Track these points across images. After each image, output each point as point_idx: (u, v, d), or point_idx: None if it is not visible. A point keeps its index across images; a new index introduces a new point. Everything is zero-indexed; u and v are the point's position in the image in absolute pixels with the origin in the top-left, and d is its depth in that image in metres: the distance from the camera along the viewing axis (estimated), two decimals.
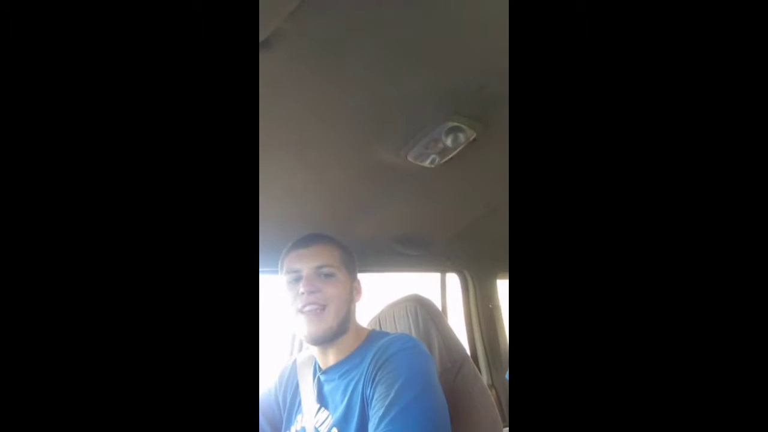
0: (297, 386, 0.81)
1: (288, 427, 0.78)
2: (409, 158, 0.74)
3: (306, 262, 0.75)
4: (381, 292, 1.13)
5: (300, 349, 1.07)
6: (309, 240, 0.78)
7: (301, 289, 0.72)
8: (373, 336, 0.76)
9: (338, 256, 0.78)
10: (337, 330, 0.73)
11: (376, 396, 0.62)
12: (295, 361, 0.85)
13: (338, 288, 0.74)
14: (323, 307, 0.72)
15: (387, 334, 0.77)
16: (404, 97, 0.60)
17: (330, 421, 0.70)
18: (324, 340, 0.73)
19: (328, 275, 0.74)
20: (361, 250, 1.12)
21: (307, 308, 0.71)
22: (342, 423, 0.67)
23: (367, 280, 0.86)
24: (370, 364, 0.66)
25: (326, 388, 0.74)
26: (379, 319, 0.96)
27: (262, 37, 0.45)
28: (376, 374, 0.64)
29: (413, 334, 0.87)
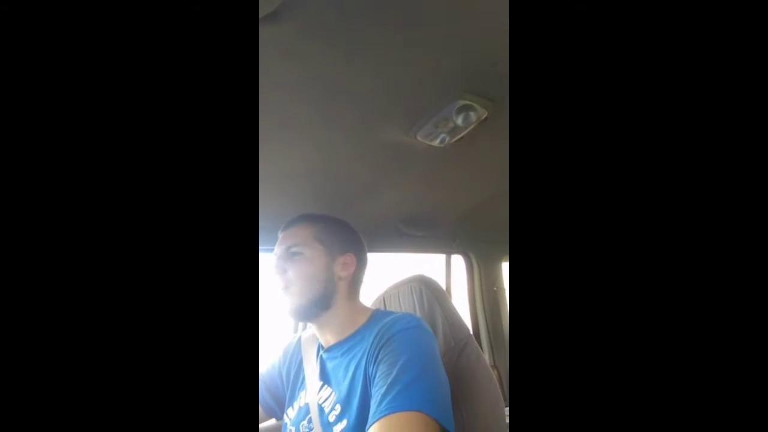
0: (300, 363, 0.82)
1: (291, 402, 0.79)
2: (419, 137, 0.73)
3: (280, 244, 0.78)
4: (386, 273, 1.13)
5: (304, 327, 1.08)
6: (290, 222, 0.80)
7: (273, 270, 0.75)
8: (376, 315, 0.77)
9: (311, 233, 0.78)
10: (309, 307, 0.74)
11: (378, 374, 0.62)
12: (300, 338, 0.87)
13: (303, 266, 0.75)
14: (287, 288, 0.74)
15: (391, 313, 0.78)
16: (415, 75, 0.59)
17: (333, 398, 0.71)
18: (299, 317, 0.76)
19: (294, 254, 0.75)
20: (367, 230, 1.12)
21: (277, 288, 0.75)
22: (345, 400, 0.68)
23: (372, 260, 0.87)
24: (372, 342, 0.67)
25: (329, 365, 0.76)
26: (383, 299, 0.96)
27: (268, 9, 0.44)
28: (378, 353, 0.65)
29: (418, 314, 0.88)
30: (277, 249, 0.78)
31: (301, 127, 0.68)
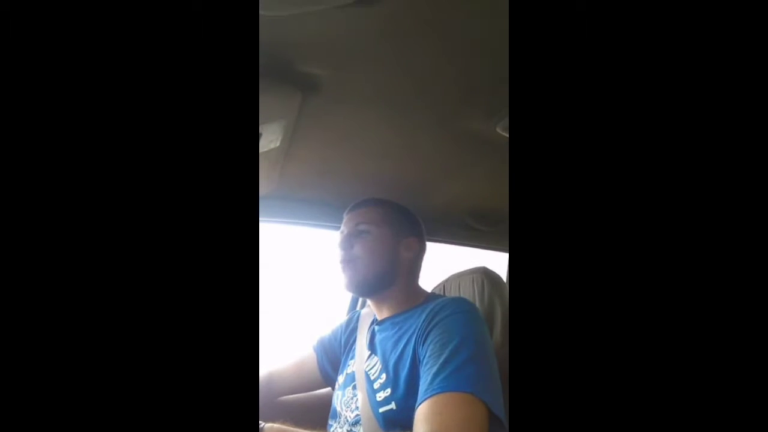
0: (356, 335, 0.86)
1: (342, 370, 0.84)
2: (498, 129, 0.73)
3: (347, 222, 0.82)
4: (448, 263, 1.14)
5: (363, 305, 1.13)
6: (357, 204, 0.84)
7: (337, 246, 0.80)
8: (430, 297, 0.79)
9: (380, 214, 0.82)
10: (374, 282, 0.78)
11: (428, 353, 0.63)
12: (360, 313, 0.91)
13: (371, 243, 0.78)
14: (352, 261, 0.78)
15: (444, 296, 0.78)
16: (500, 65, 0.59)
17: (379, 367, 0.73)
18: (361, 291, 0.80)
19: (362, 232, 0.79)
20: (434, 219, 1.13)
21: (340, 262, 0.79)
22: (391, 372, 0.69)
23: (435, 249, 0.88)
24: (423, 322, 0.68)
25: (378, 337, 0.78)
26: (444, 286, 0.98)
27: None
28: (429, 333, 0.65)
29: (477, 305, 0.88)
30: (345, 227, 0.82)
31: (383, 107, 0.69)
